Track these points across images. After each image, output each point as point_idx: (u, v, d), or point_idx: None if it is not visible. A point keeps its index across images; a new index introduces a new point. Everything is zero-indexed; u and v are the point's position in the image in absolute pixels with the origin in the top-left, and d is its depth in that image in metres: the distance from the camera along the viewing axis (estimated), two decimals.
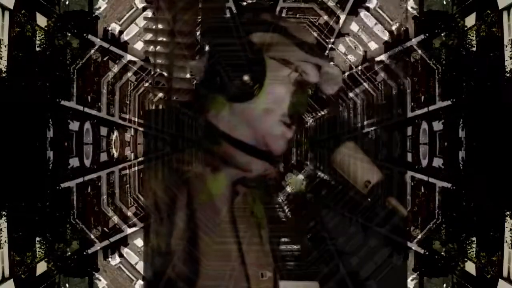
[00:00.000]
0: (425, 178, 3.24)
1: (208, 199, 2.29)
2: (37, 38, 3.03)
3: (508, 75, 2.84)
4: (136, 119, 3.64)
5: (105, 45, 3.36)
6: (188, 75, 2.84)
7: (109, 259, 3.29)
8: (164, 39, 2.96)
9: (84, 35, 3.23)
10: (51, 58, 3.09)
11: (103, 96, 3.49)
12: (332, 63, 2.43)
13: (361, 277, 3.02)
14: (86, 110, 3.44)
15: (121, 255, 3.35)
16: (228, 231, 2.29)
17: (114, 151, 3.58)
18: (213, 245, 2.26)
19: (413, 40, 3.22)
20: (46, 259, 3.02)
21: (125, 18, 3.38)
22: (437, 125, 3.21)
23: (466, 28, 2.97)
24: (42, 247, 3.00)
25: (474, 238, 2.95)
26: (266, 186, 2.46)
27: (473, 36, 2.94)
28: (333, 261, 3.05)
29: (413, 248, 3.18)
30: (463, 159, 3.00)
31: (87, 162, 3.39)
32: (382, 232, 2.95)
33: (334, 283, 2.98)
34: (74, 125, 3.37)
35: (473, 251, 2.93)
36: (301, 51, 2.26)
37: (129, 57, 3.48)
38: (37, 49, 3.05)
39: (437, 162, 3.16)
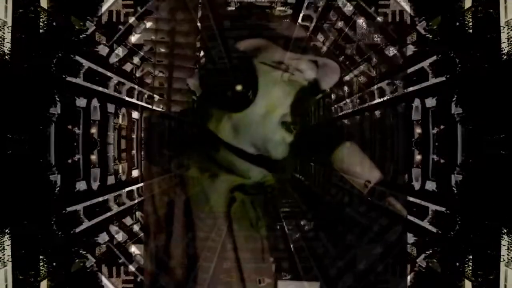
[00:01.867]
0: (418, 201, 3.17)
1: (205, 205, 2.25)
2: (41, 20, 2.96)
3: (505, 57, 2.75)
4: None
5: (94, 66, 3.29)
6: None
7: (97, 238, 3.28)
8: (164, 39, 2.89)
9: (72, 55, 3.14)
10: (54, 39, 3.02)
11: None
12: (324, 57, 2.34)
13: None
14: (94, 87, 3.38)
15: (109, 234, 3.31)
16: (225, 236, 2.25)
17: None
18: (210, 250, 2.22)
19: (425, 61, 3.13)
20: (49, 278, 2.96)
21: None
22: (430, 102, 3.13)
23: (463, 10, 2.86)
24: (45, 265, 2.95)
25: (470, 256, 2.88)
26: (265, 194, 2.37)
27: (470, 18, 2.85)
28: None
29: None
30: (456, 183, 2.92)
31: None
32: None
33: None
34: (81, 102, 3.32)
35: (470, 270, 2.87)
36: (291, 53, 2.20)
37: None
38: (40, 30, 2.98)
39: (431, 185, 3.10)
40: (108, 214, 3.34)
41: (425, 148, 3.08)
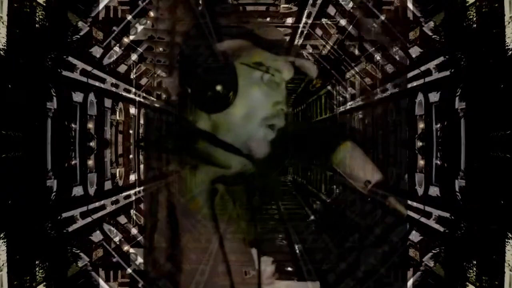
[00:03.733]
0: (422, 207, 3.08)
1: (188, 198, 2.19)
2: (37, 15, 2.84)
3: (510, 52, 2.66)
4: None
5: (88, 68, 3.18)
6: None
7: (92, 236, 3.17)
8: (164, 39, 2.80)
9: (65, 57, 3.01)
10: (50, 34, 2.90)
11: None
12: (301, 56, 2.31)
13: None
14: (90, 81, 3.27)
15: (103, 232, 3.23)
16: (209, 229, 2.19)
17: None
18: (194, 242, 2.17)
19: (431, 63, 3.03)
20: (45, 283, 2.85)
21: None
22: (433, 97, 3.05)
23: (467, 5, 2.76)
24: (41, 270, 2.83)
25: (474, 262, 2.78)
26: (247, 184, 2.31)
27: (474, 13, 2.75)
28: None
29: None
30: (460, 188, 2.81)
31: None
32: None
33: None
34: (78, 97, 3.20)
35: (474, 275, 2.76)
36: (269, 53, 2.15)
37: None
38: (37, 25, 2.85)
39: (434, 191, 3.01)
40: (103, 212, 3.26)
41: (428, 152, 3.00)
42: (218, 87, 2.09)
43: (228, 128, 2.15)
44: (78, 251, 3.03)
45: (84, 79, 3.21)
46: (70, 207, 3.05)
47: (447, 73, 2.91)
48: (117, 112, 3.46)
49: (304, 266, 2.83)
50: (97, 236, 3.18)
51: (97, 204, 3.19)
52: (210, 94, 2.10)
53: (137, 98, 3.50)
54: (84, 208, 3.15)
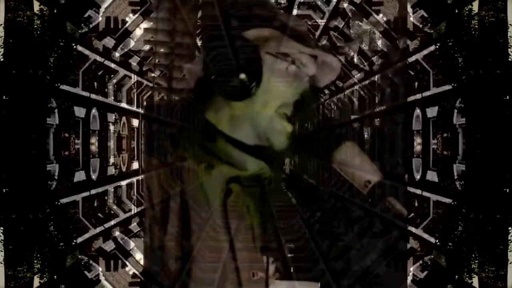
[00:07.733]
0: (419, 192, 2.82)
1: (201, 196, 2.13)
2: (34, 25, 2.67)
3: None
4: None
5: (99, 59, 3.02)
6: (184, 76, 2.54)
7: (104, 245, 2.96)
8: (164, 39, 2.65)
9: (74, 46, 2.85)
10: (47, 44, 2.73)
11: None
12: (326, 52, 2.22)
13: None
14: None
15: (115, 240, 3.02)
16: (220, 228, 2.13)
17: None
18: (205, 241, 2.11)
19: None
20: (41, 273, 2.64)
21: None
22: (431, 112, 2.82)
23: (472, 14, 2.57)
24: (38, 260, 2.63)
25: (477, 252, 2.55)
26: (262, 186, 2.24)
27: (476, 22, 2.55)
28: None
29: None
30: (458, 173, 2.58)
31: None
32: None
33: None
34: (80, 112, 3.01)
35: (476, 265, 2.54)
36: (297, 43, 2.08)
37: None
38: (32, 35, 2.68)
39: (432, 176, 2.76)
40: (113, 222, 3.07)
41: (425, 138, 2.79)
42: (242, 76, 2.02)
43: (248, 116, 2.08)
44: (90, 261, 2.87)
45: (86, 93, 3.04)
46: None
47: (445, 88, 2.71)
48: (120, 125, 3.27)
49: (292, 265, 2.65)
50: (109, 245, 2.99)
51: (93, 191, 2.95)
52: (234, 81, 2.03)
53: (140, 110, 3.31)
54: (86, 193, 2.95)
